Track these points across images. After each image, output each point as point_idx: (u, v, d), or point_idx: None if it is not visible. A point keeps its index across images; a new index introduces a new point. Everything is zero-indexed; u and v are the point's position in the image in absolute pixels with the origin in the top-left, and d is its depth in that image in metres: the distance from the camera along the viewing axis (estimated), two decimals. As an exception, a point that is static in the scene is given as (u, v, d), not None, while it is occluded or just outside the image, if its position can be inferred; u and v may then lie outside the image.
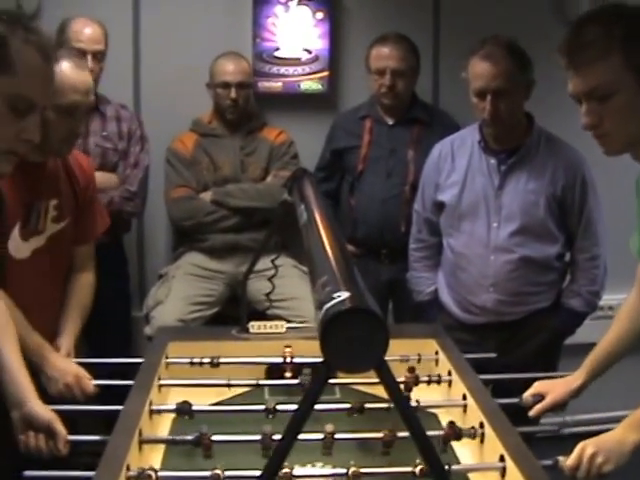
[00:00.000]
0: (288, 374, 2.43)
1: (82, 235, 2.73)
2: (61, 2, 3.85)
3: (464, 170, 3.07)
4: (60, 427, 2.01)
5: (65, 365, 2.41)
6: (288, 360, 2.45)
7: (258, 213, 3.63)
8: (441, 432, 2.02)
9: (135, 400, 2.12)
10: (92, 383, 2.40)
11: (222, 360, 2.44)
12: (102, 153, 3.48)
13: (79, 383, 2.39)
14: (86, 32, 3.41)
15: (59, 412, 2.05)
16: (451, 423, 2.03)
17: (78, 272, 2.75)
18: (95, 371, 2.85)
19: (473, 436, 2.00)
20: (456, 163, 3.11)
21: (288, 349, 2.47)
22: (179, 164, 3.68)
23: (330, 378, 1.17)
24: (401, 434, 1.96)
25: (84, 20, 3.44)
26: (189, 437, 1.98)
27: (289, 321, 3.07)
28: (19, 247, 2.45)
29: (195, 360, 2.44)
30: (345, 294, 1.20)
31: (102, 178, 3.38)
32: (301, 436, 1.22)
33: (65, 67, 2.45)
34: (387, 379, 1.13)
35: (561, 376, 2.38)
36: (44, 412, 2.02)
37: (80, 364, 2.57)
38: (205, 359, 2.44)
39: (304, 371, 2.37)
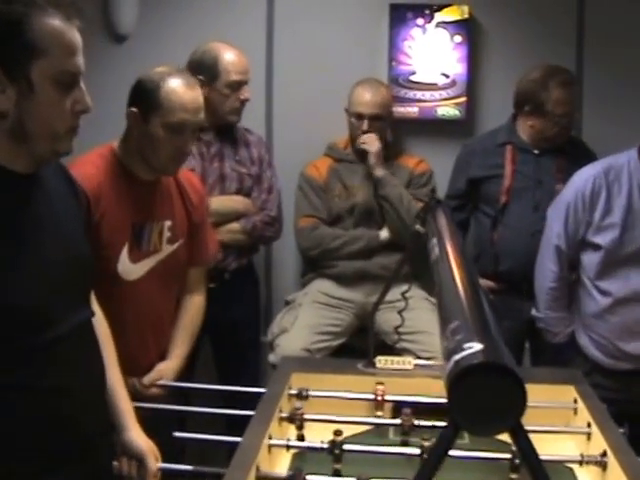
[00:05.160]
0: (380, 412, 2.35)
1: (196, 257, 2.74)
2: (196, 25, 3.91)
3: (623, 211, 2.92)
4: (151, 461, 2.02)
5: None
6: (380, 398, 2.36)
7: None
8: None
9: (254, 433, 2.05)
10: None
11: (347, 395, 2.37)
12: (239, 178, 3.45)
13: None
14: (240, 62, 3.38)
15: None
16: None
17: (189, 294, 2.77)
18: (220, 398, 2.85)
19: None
20: (613, 202, 2.96)
21: (380, 386, 2.39)
22: (311, 192, 3.63)
23: (456, 438, 1.06)
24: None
25: (230, 48, 3.40)
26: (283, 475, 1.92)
27: (417, 356, 2.99)
28: (129, 269, 2.48)
29: (318, 393, 2.36)
30: (478, 346, 1.08)
31: (241, 203, 3.42)
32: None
33: (175, 85, 2.48)
34: (523, 446, 1.00)
35: None
36: (140, 442, 2.03)
37: (197, 389, 2.67)
38: (329, 393, 2.37)
39: (404, 411, 2.24)
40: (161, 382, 2.60)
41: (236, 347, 3.53)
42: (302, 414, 2.21)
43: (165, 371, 2.63)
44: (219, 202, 3.33)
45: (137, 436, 2.04)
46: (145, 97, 2.49)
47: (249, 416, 2.19)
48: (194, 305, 2.77)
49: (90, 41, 3.91)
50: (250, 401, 2.34)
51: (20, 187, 1.69)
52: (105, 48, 3.97)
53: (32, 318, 1.65)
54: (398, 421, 2.23)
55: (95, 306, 2.01)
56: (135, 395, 2.49)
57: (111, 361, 2.02)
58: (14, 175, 1.67)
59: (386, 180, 3.55)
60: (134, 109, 2.52)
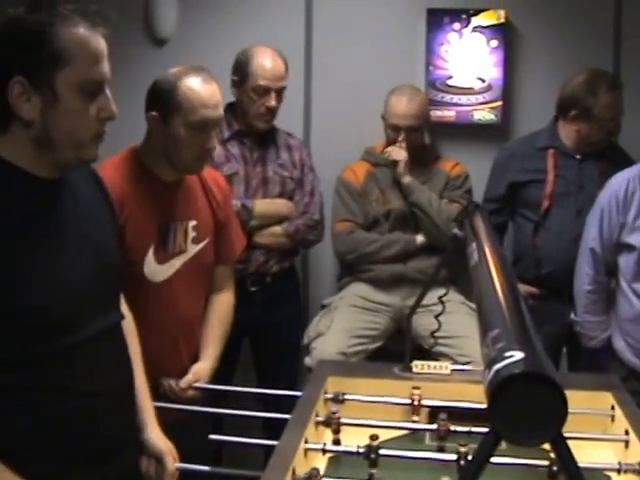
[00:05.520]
0: (416, 417, 2.34)
1: (223, 255, 2.73)
2: (236, 29, 3.96)
3: None
4: (169, 461, 2.03)
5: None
6: (416, 403, 2.35)
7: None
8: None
9: (290, 436, 2.06)
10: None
11: (383, 399, 2.36)
12: (281, 181, 3.47)
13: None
14: (271, 68, 3.36)
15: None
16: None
17: (217, 293, 2.76)
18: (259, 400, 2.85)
19: None
20: None
21: (416, 391, 2.38)
22: (348, 196, 3.64)
23: (496, 448, 1.06)
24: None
25: (268, 53, 3.39)
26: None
27: (454, 360, 2.99)
28: (155, 271, 2.48)
29: (354, 397, 2.36)
30: (519, 354, 1.08)
31: (285, 206, 3.45)
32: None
33: (192, 83, 2.47)
34: (564, 456, 1.00)
35: None
36: (158, 442, 2.04)
37: (233, 392, 2.66)
38: (364, 397, 2.36)
39: (440, 416, 2.22)
40: (197, 384, 2.59)
41: (276, 350, 3.55)
42: (338, 418, 2.21)
43: (200, 373, 2.61)
44: (263, 205, 3.36)
45: (156, 435, 2.06)
46: (163, 99, 2.48)
47: (285, 419, 2.20)
48: (222, 304, 2.76)
49: (130, 45, 4.03)
50: (289, 404, 2.35)
51: (45, 192, 1.72)
52: (145, 52, 4.01)
53: (52, 320, 1.67)
54: (434, 426, 2.21)
55: (124, 307, 2.04)
56: (172, 397, 2.51)
57: (136, 359, 2.04)
58: (39, 180, 1.71)
59: (413, 186, 3.56)
60: (154, 113, 2.51)
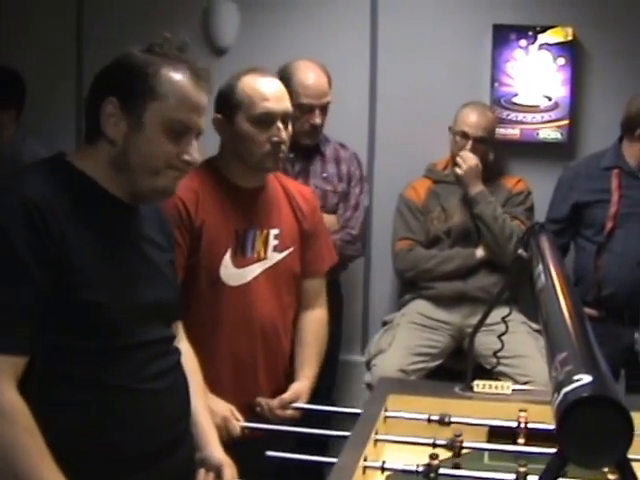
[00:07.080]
0: (521, 440, 2.26)
1: (311, 268, 2.69)
2: (297, 39, 3.97)
3: None
4: (228, 471, 2.03)
5: (214, 405, 2.32)
6: (522, 425, 2.27)
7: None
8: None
9: (350, 454, 2.04)
10: (239, 425, 2.35)
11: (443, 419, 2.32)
12: (322, 195, 3.43)
13: (226, 425, 2.34)
14: (314, 85, 3.30)
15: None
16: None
17: (308, 309, 2.71)
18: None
19: None
20: None
21: (523, 413, 2.31)
22: (409, 214, 3.64)
23: (563, 469, 1.06)
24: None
25: (310, 68, 3.33)
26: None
27: (514, 380, 2.96)
28: (232, 274, 2.48)
29: (413, 416, 2.34)
30: (587, 377, 1.09)
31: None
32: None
33: (250, 80, 2.49)
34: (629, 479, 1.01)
35: None
36: (219, 456, 2.06)
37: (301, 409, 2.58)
38: (423, 416, 2.33)
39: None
40: (297, 404, 2.53)
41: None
42: (461, 441, 2.15)
43: (300, 392, 2.56)
44: None
45: (217, 451, 2.07)
46: (225, 100, 2.50)
47: (319, 435, 2.21)
48: (315, 320, 2.71)
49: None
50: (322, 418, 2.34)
51: (117, 210, 1.84)
52: (205, 61, 4.00)
53: (107, 319, 1.75)
54: (499, 447, 2.19)
55: (183, 340, 2.10)
56: (269, 417, 2.48)
57: (197, 388, 2.08)
58: (113, 198, 1.82)
59: (480, 197, 3.54)
60: (218, 115, 2.52)
